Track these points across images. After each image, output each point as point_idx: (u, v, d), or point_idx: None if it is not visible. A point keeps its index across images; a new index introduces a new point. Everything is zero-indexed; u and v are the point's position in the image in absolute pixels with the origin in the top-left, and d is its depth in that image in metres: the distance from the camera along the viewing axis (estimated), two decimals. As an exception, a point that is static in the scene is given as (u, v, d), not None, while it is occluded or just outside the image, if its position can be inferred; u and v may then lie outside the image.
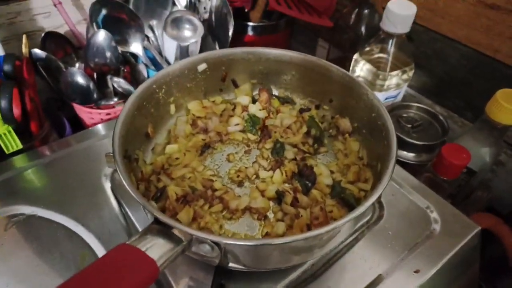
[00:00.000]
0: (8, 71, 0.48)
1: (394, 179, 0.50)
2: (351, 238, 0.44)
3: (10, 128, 0.50)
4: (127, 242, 0.28)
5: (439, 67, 0.63)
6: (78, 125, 0.65)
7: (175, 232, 0.30)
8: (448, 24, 0.59)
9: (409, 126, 0.58)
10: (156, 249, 0.29)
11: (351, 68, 0.61)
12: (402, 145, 0.57)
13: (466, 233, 0.44)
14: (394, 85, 0.59)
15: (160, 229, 0.30)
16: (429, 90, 0.66)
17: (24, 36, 0.53)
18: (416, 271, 0.40)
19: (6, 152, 0.50)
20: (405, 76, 0.59)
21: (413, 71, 0.59)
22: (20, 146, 0.51)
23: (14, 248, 0.41)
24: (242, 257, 0.33)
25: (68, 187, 0.47)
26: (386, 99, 0.60)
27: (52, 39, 0.61)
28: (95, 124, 0.61)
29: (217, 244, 0.30)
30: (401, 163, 0.57)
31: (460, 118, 0.63)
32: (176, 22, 0.63)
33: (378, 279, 0.40)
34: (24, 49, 0.52)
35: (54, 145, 0.53)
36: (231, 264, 0.34)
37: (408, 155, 0.58)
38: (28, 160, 0.50)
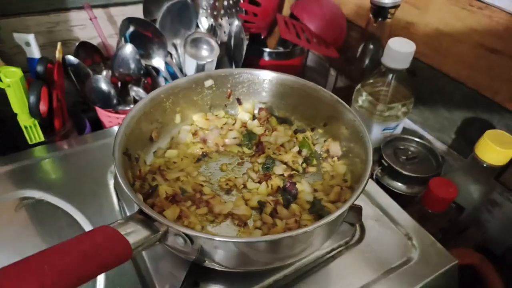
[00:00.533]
0: (40, 72, 0.55)
1: (380, 206, 0.52)
2: (328, 255, 0.45)
3: (36, 122, 0.56)
4: (110, 225, 0.32)
5: (441, 104, 0.65)
6: (99, 128, 0.71)
7: (155, 223, 0.34)
8: (451, 64, 0.61)
9: (404, 158, 0.60)
10: (134, 234, 0.32)
11: (353, 97, 0.64)
12: (396, 176, 0.59)
13: (442, 264, 0.45)
14: (393, 117, 0.62)
15: (142, 218, 0.34)
16: (431, 125, 0.68)
17: (59, 43, 0.60)
18: (386, 294, 0.42)
19: (29, 142, 0.56)
20: (404, 109, 0.61)
21: (412, 104, 0.61)
22: (43, 138, 0.57)
23: (21, 227, 0.46)
24: (215, 254, 0.36)
25: (76, 179, 0.52)
26: (384, 130, 0.63)
27: (84, 49, 0.68)
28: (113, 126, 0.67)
29: (189, 237, 0.33)
30: (394, 193, 0.59)
31: (459, 155, 0.64)
32: (196, 42, 0.69)
33: (347, 297, 0.41)
34: (58, 55, 0.59)
35: (71, 141, 0.59)
36: (207, 262, 0.37)
37: (401, 186, 0.59)
38: (46, 151, 0.56)
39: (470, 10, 0.56)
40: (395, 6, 0.59)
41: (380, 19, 0.61)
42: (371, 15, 0.61)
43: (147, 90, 0.70)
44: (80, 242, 0.30)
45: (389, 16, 0.60)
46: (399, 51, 0.55)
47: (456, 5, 0.57)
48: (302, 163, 0.51)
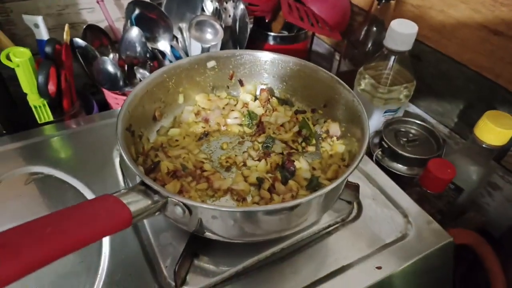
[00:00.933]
0: (48, 53, 0.57)
1: (379, 186, 0.53)
2: (324, 231, 0.47)
3: (45, 102, 0.58)
4: (112, 193, 0.34)
5: (445, 88, 0.65)
6: (107, 108, 0.73)
7: (155, 194, 0.35)
8: (455, 47, 0.61)
9: (405, 140, 0.60)
10: (135, 204, 0.33)
11: (355, 81, 0.65)
12: (396, 157, 0.60)
13: (437, 241, 0.46)
14: (395, 100, 0.62)
15: (143, 189, 0.35)
16: (434, 109, 0.68)
17: (66, 25, 0.61)
18: (378, 267, 0.43)
19: (39, 121, 0.58)
20: (406, 92, 0.62)
21: (414, 87, 0.61)
22: (51, 118, 0.59)
23: (29, 200, 0.48)
24: (212, 224, 0.37)
25: (84, 157, 0.54)
26: (385, 112, 0.63)
27: (92, 31, 0.69)
28: (119, 108, 0.69)
29: (187, 207, 0.35)
30: (393, 174, 0.59)
31: (461, 139, 0.64)
32: (200, 25, 0.70)
33: (340, 270, 0.42)
34: (66, 36, 0.61)
35: (79, 120, 0.61)
36: (206, 233, 0.39)
37: (401, 168, 0.60)
38: (55, 130, 0.58)
39: (474, -9, 0.55)
40: (399, -12, 0.58)
41: (383, 1, 0.61)
42: (374, -3, 0.61)
43: (153, 73, 0.72)
44: (83, 207, 0.32)
45: (392, -2, 0.60)
46: (402, 32, 0.55)
47: (460, -13, 0.57)
48: (301, 142, 0.52)
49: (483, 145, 0.50)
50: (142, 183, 0.36)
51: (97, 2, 0.67)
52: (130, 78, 0.70)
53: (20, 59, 0.51)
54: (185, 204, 0.35)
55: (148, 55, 0.69)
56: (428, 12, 0.63)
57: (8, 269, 0.26)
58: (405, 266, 0.43)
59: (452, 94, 0.64)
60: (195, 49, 0.74)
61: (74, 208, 0.31)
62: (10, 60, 0.52)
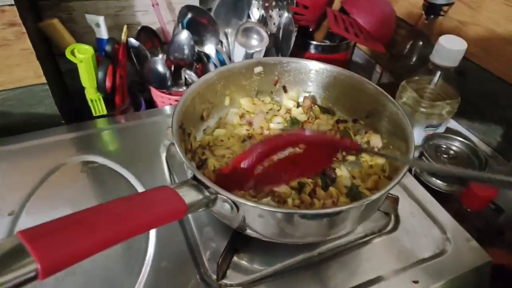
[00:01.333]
0: (108, 51, 0.61)
1: (417, 200, 0.53)
2: (361, 241, 0.47)
3: (100, 96, 0.62)
4: (169, 186, 0.36)
5: (489, 106, 0.64)
6: (152, 107, 0.77)
7: (205, 189, 0.37)
8: (501, 66, 0.60)
9: (445, 156, 0.60)
10: (189, 196, 0.36)
11: (397, 93, 0.65)
12: (435, 173, 0.59)
13: (475, 260, 0.46)
14: (437, 115, 0.62)
15: (195, 184, 0.38)
16: (477, 127, 0.67)
17: (125, 26, 0.65)
18: (415, 282, 0.43)
19: (94, 114, 0.63)
20: (449, 108, 0.61)
21: (457, 104, 0.61)
22: (105, 112, 0.63)
23: (84, 186, 0.52)
24: (256, 223, 0.39)
25: (133, 150, 0.57)
26: (427, 127, 0.63)
27: (145, 32, 0.73)
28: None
29: (235, 204, 0.37)
30: (431, 190, 0.59)
31: (504, 159, 0.63)
32: (247, 32, 0.73)
33: (376, 280, 0.43)
34: (123, 37, 0.65)
35: (129, 116, 0.64)
36: (248, 230, 0.41)
37: (439, 184, 0.60)
38: (108, 123, 0.62)
39: (527, 11, 0.55)
40: (449, 4, 0.59)
41: (432, 16, 0.61)
42: (423, 12, 0.62)
43: (198, 74, 0.75)
44: (145, 195, 0.34)
45: (441, 13, 0.60)
46: (450, 48, 0.55)
47: (510, 6, 0.56)
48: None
49: (530, 167, 0.49)
50: (194, 178, 0.38)
51: (152, 5, 0.71)
52: (175, 79, 0.74)
53: (83, 56, 0.55)
54: (233, 201, 0.37)
55: (194, 58, 0.73)
56: (474, 29, 0.63)
57: (84, 244, 0.28)
58: (442, 283, 0.43)
59: (496, 113, 0.63)
60: (238, 53, 0.76)
61: (138, 195, 0.34)
62: (74, 56, 0.56)
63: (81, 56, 0.55)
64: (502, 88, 0.61)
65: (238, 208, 0.37)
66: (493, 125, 0.64)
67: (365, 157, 0.52)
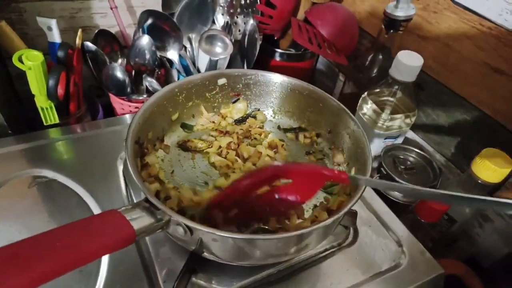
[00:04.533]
0: (61, 57, 0.58)
1: (375, 212, 0.54)
2: (320, 255, 0.48)
3: (52, 104, 0.58)
4: (118, 209, 0.34)
5: (444, 118, 0.66)
6: (110, 112, 0.74)
7: (158, 211, 0.36)
8: (457, 80, 0.63)
9: (403, 167, 0.62)
10: (139, 221, 0.34)
11: (358, 105, 0.66)
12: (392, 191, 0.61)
13: (429, 272, 0.47)
14: (396, 128, 0.63)
15: (147, 206, 0.36)
16: (432, 138, 0.69)
17: (80, 30, 0.62)
18: (372, 295, 0.44)
19: (45, 123, 0.59)
20: (407, 121, 0.63)
21: (415, 117, 0.63)
22: (57, 120, 0.59)
23: (32, 203, 0.48)
24: (212, 246, 0.38)
25: (87, 162, 0.55)
26: (386, 138, 0.65)
27: (103, 36, 0.70)
28: (124, 114, 0.70)
29: (189, 228, 0.36)
30: (389, 200, 0.61)
31: (456, 169, 0.66)
32: (210, 39, 0.71)
33: (334, 295, 0.44)
34: (78, 41, 0.61)
35: (86, 125, 0.61)
36: (205, 253, 0.40)
37: (397, 195, 0.61)
38: (61, 133, 0.58)
39: (479, 29, 0.57)
40: (408, 20, 0.60)
41: (391, 31, 0.62)
42: (383, 26, 0.63)
43: (160, 81, 0.73)
44: (90, 222, 0.32)
45: (401, 28, 0.61)
46: (407, 64, 0.56)
47: (467, 23, 0.59)
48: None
49: (479, 181, 0.51)
50: (147, 200, 0.37)
51: (111, 8, 0.67)
52: (136, 85, 0.71)
53: (32, 63, 0.52)
54: (186, 225, 0.36)
55: (156, 63, 0.70)
56: (433, 44, 0.65)
57: (19, 282, 0.26)
58: (397, 296, 0.44)
59: (450, 125, 0.66)
60: (203, 59, 0.75)
61: (82, 222, 0.32)
62: (22, 62, 0.52)
63: (30, 63, 0.52)
64: (456, 101, 0.63)
65: (192, 232, 0.36)
66: (448, 136, 0.66)
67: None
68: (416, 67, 0.57)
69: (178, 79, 0.74)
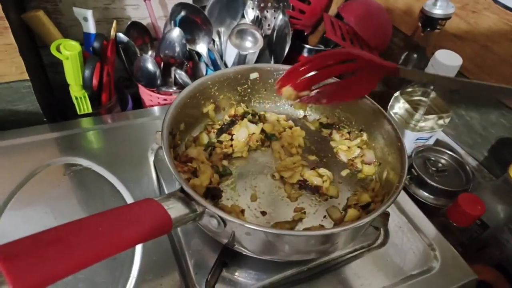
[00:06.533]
0: (97, 48, 0.58)
1: (406, 214, 0.53)
2: (350, 255, 0.47)
3: (86, 94, 0.59)
4: (155, 198, 0.35)
5: (478, 120, 0.65)
6: (139, 103, 0.75)
7: (193, 202, 0.36)
8: (493, 82, 0.61)
9: (434, 169, 0.61)
10: (175, 210, 0.34)
11: (390, 103, 0.65)
12: (424, 186, 0.60)
13: (461, 277, 0.46)
14: (428, 128, 0.62)
15: (182, 196, 0.36)
16: (464, 140, 0.68)
17: (114, 22, 0.63)
18: (403, 298, 0.43)
19: (78, 112, 0.60)
20: (440, 122, 0.62)
21: (449, 118, 0.62)
22: (91, 110, 0.60)
23: (67, 190, 0.49)
24: (244, 240, 0.38)
25: (120, 152, 0.55)
26: (417, 139, 0.63)
27: (135, 28, 0.71)
28: (153, 105, 0.70)
29: (223, 220, 0.35)
30: (419, 202, 0.60)
31: (489, 173, 0.64)
32: (241, 33, 0.71)
33: (365, 296, 0.43)
34: (113, 32, 0.62)
35: (116, 116, 0.62)
36: (236, 246, 0.40)
37: (427, 196, 0.60)
38: (93, 123, 0.59)
39: (522, 31, 0.55)
40: (446, 18, 0.58)
41: (428, 29, 0.61)
42: (419, 24, 0.61)
43: (188, 73, 0.73)
44: (129, 209, 0.33)
45: (438, 27, 0.60)
46: (445, 63, 0.55)
47: (507, 25, 0.57)
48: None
49: (517, 187, 0.50)
50: (182, 190, 0.37)
51: (144, 0, 0.68)
52: (164, 76, 0.71)
53: (70, 52, 0.53)
54: (220, 217, 0.36)
55: (185, 56, 0.71)
56: (470, 45, 0.63)
57: (63, 264, 0.27)
58: (429, 300, 0.43)
59: (484, 128, 0.64)
60: (231, 53, 0.74)
61: (121, 209, 0.32)
62: (60, 52, 0.53)
63: (67, 52, 0.53)
64: (492, 104, 0.62)
65: (225, 224, 0.36)
66: (481, 140, 0.65)
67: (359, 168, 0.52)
68: (454, 67, 0.55)
69: (206, 72, 0.74)
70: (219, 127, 0.54)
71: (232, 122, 0.53)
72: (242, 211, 0.45)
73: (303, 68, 0.48)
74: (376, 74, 0.49)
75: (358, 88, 0.51)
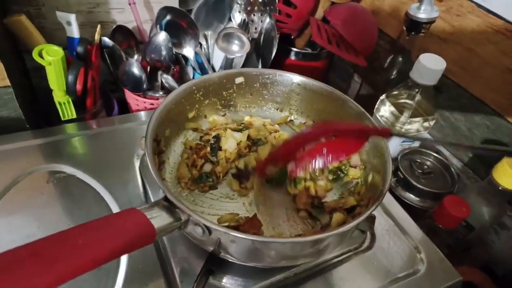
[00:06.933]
0: (80, 53, 0.58)
1: (392, 216, 0.53)
2: (337, 259, 0.47)
3: (70, 99, 0.58)
4: (137, 208, 0.34)
5: (462, 122, 0.65)
6: (125, 108, 0.74)
7: (177, 210, 0.36)
8: (478, 85, 0.62)
9: (420, 171, 0.61)
10: (159, 219, 0.34)
11: (376, 106, 0.65)
12: (410, 188, 0.60)
13: (447, 279, 0.47)
14: (414, 131, 0.62)
15: (166, 205, 0.36)
16: (449, 142, 0.68)
17: (99, 26, 0.62)
18: (389, 302, 0.43)
19: (62, 118, 0.59)
20: (426, 124, 0.62)
21: (434, 121, 0.62)
22: (75, 115, 0.59)
23: (51, 198, 0.49)
24: (230, 247, 0.38)
25: (105, 159, 0.55)
26: (403, 142, 0.64)
27: (120, 32, 0.70)
28: (139, 110, 0.70)
29: (208, 228, 0.35)
30: (405, 205, 0.60)
31: (474, 174, 0.65)
32: (227, 37, 0.71)
33: (352, 300, 0.43)
34: (97, 36, 0.61)
35: (101, 121, 0.61)
36: (222, 254, 0.40)
37: (413, 198, 0.61)
38: (78, 129, 0.58)
39: (505, 35, 0.56)
40: (430, 22, 0.59)
41: (413, 33, 0.61)
42: (404, 28, 0.62)
43: (175, 77, 0.72)
44: (111, 220, 0.32)
45: (423, 31, 0.60)
46: (429, 67, 0.55)
47: (491, 28, 0.58)
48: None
49: (500, 188, 0.50)
50: (166, 198, 0.37)
51: (129, 4, 0.67)
52: (151, 81, 0.71)
53: (53, 58, 0.52)
54: (205, 225, 0.35)
55: (172, 60, 0.70)
56: (455, 47, 0.64)
57: (43, 280, 0.26)
58: (415, 303, 0.44)
59: (469, 130, 0.65)
60: (218, 57, 0.74)
61: (103, 220, 0.32)
62: (42, 57, 0.52)
63: (50, 58, 0.52)
64: (477, 107, 0.62)
65: (210, 232, 0.36)
66: (465, 140, 0.65)
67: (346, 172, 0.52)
68: (438, 71, 0.56)
69: (193, 76, 0.74)
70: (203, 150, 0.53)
71: (217, 139, 0.52)
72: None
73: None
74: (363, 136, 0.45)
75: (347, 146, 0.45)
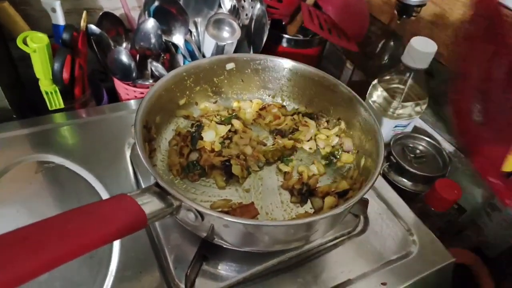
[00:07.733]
0: (66, 40, 0.56)
1: (385, 200, 0.54)
2: (330, 243, 0.47)
3: (57, 88, 0.57)
4: (128, 194, 0.34)
5: (454, 107, 0.65)
6: (115, 97, 0.73)
7: (169, 196, 0.35)
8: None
9: (412, 156, 0.61)
10: (150, 205, 0.33)
11: (368, 92, 0.65)
12: (402, 172, 0.61)
13: (439, 261, 0.47)
14: (406, 115, 0.62)
15: (158, 191, 0.35)
16: (441, 126, 0.68)
17: (84, 12, 0.60)
18: (383, 283, 0.44)
19: (49, 108, 0.58)
20: (418, 109, 0.62)
21: (426, 105, 0.62)
22: (62, 105, 0.58)
23: (39, 188, 0.48)
24: (223, 232, 0.38)
25: (95, 148, 0.54)
26: (395, 126, 0.64)
27: (108, 19, 0.68)
28: (129, 99, 0.68)
29: (200, 213, 0.35)
30: (398, 189, 0.60)
31: (466, 158, 0.65)
32: (218, 23, 0.70)
33: (346, 283, 0.43)
34: (83, 23, 0.60)
35: (91, 110, 0.60)
36: (215, 239, 0.39)
37: (406, 183, 0.61)
38: (66, 118, 0.57)
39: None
40: (421, 5, 0.59)
41: (404, 17, 0.61)
42: (395, 12, 0.61)
43: (165, 66, 0.71)
44: (101, 206, 0.32)
45: (414, 14, 0.60)
46: (421, 50, 0.55)
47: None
48: None
49: (491, 170, 0.50)
50: (157, 184, 0.36)
51: (116, -10, 0.66)
52: (140, 69, 0.69)
53: (37, 45, 0.50)
54: (197, 210, 0.35)
55: (162, 47, 0.69)
56: (445, 31, 0.63)
57: (30, 265, 0.26)
58: (408, 284, 0.44)
59: (461, 114, 0.65)
60: (209, 45, 0.73)
61: (92, 206, 0.31)
62: (27, 45, 0.51)
63: (34, 45, 0.50)
64: (468, 90, 0.62)
65: (203, 217, 0.35)
66: (458, 125, 0.65)
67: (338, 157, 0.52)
68: (429, 54, 0.55)
69: (184, 63, 0.73)
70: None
71: (199, 127, 0.52)
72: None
73: None
74: None
75: None
